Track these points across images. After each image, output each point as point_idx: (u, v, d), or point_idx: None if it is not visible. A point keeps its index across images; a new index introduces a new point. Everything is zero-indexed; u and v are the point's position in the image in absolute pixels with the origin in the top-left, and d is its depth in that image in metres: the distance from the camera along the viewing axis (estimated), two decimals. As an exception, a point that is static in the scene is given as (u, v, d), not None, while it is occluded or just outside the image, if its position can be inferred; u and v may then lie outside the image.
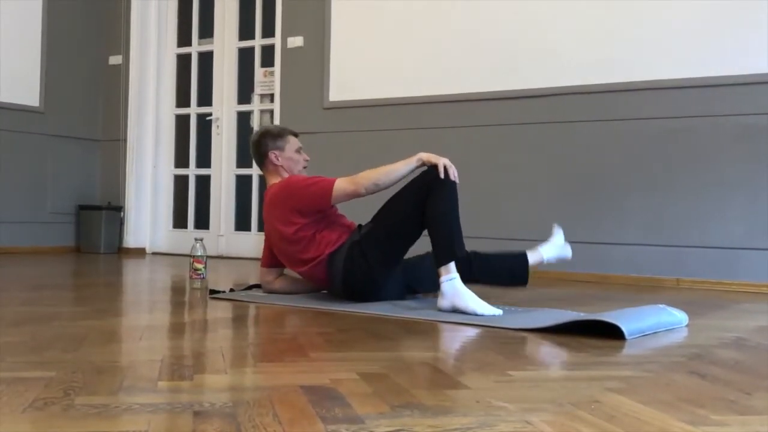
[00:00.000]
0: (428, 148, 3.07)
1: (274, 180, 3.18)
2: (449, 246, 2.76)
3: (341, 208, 3.16)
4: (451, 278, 2.71)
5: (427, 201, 2.81)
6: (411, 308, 2.82)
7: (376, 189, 2.90)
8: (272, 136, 3.21)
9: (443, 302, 2.71)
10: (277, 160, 3.17)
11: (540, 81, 4.63)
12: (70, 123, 6.16)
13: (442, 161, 2.83)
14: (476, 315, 2.60)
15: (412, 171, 2.90)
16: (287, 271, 3.26)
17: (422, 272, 3.05)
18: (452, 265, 2.73)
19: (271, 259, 3.21)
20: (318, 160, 5.35)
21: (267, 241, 3.22)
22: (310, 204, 2.96)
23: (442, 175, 2.80)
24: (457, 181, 2.84)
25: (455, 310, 2.67)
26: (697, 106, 4.22)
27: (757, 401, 1.49)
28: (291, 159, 3.18)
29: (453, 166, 2.84)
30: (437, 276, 2.76)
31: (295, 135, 3.27)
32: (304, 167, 3.25)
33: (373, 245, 2.91)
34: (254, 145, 3.24)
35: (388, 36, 5.18)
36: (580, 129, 4.53)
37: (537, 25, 4.68)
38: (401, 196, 2.93)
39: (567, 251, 3.17)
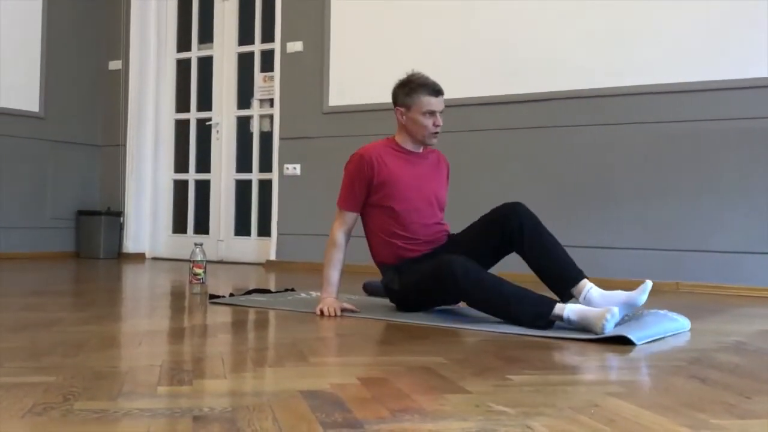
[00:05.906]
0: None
1: (397, 137, 2.96)
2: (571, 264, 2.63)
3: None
4: (589, 288, 2.58)
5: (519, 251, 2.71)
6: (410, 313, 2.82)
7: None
8: (403, 91, 2.87)
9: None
10: (402, 117, 2.89)
11: (540, 85, 4.64)
12: (70, 128, 6.17)
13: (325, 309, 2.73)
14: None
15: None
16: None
17: None
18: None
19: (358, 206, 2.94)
20: (317, 165, 5.38)
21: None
22: None
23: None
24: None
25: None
26: (697, 110, 4.22)
27: (757, 405, 1.49)
28: (415, 122, 2.84)
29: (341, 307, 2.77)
30: (568, 296, 2.61)
31: (435, 94, 2.82)
32: (434, 133, 2.87)
33: (405, 294, 2.84)
34: (392, 94, 2.94)
35: (388, 41, 5.19)
36: (580, 133, 4.54)
37: (537, 29, 4.68)
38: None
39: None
